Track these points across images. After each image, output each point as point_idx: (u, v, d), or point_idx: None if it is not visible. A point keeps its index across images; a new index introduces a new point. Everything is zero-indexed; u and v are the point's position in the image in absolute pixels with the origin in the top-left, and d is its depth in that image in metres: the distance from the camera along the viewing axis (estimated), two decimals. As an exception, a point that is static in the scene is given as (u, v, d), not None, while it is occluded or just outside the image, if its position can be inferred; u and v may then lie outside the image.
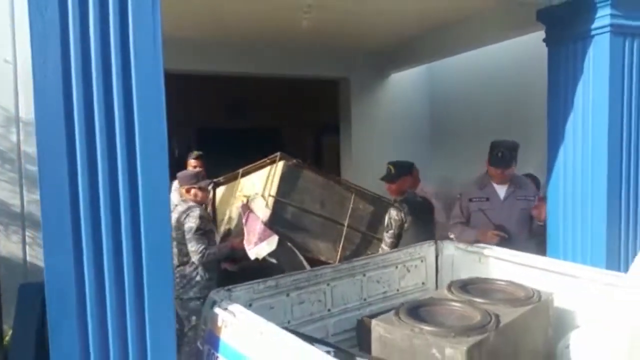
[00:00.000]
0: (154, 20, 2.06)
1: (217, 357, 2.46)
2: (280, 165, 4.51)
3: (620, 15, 3.46)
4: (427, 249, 3.84)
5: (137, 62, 2.06)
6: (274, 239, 4.23)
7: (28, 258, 4.49)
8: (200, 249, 4.01)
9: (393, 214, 4.20)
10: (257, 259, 4.31)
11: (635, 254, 3.16)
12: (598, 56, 3.52)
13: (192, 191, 4.28)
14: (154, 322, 2.22)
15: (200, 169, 4.97)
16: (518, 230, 3.96)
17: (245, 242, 4.26)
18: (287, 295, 3.05)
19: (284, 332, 2.22)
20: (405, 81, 7.50)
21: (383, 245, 4.29)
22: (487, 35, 5.38)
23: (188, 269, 4.11)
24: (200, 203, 4.34)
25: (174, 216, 4.07)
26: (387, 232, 4.23)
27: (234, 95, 8.95)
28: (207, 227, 4.18)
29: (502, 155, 3.96)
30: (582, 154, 3.60)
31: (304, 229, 4.57)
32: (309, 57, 6.63)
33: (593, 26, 3.53)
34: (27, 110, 4.25)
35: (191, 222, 4.07)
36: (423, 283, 3.84)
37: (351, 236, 4.84)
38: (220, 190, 5.45)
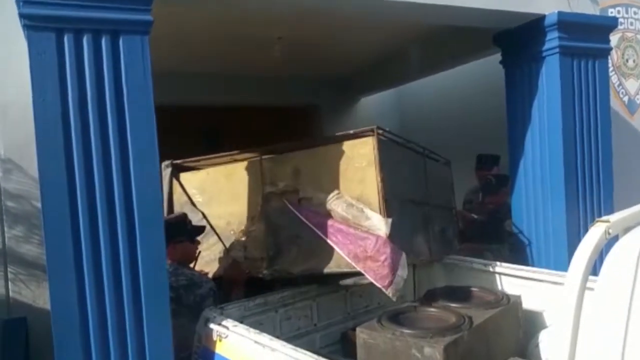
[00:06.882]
0: (143, 59, 2.25)
1: (213, 371, 2.59)
2: (372, 143, 3.03)
3: (567, 38, 3.80)
4: (404, 263, 4.02)
5: (130, 97, 2.24)
6: (404, 259, 3.00)
7: (11, 294, 4.52)
8: None
9: None
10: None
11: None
12: (550, 74, 3.85)
13: None
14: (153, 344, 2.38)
15: None
16: None
17: (372, 275, 2.94)
18: (276, 311, 3.19)
19: (277, 340, 2.38)
20: (375, 103, 7.79)
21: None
22: (446, 59, 5.68)
23: None
24: None
25: None
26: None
27: (208, 125, 9.08)
28: None
29: None
30: (541, 162, 3.90)
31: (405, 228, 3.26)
32: (279, 86, 6.85)
33: (544, 48, 3.87)
34: (5, 147, 4.32)
35: None
36: (402, 296, 4.01)
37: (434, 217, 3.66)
38: (201, 177, 3.97)
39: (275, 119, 8.63)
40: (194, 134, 9.29)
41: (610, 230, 1.51)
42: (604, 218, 1.54)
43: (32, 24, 2.11)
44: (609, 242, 1.55)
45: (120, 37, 2.23)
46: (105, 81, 2.19)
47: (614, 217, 1.55)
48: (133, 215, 2.33)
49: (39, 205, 4.34)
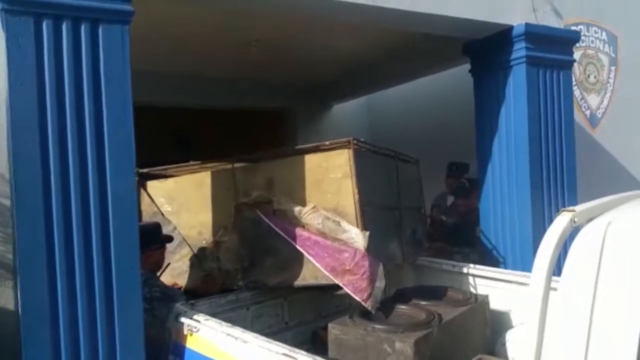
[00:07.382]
0: (123, 48, 2.24)
1: (183, 365, 2.57)
2: (347, 155, 2.99)
3: (533, 48, 3.95)
4: (374, 264, 4.07)
5: (107, 85, 2.23)
6: (382, 269, 2.98)
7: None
8: None
9: None
10: None
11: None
12: (517, 83, 3.99)
13: None
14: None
15: None
16: None
17: (351, 289, 2.86)
18: (247, 309, 3.19)
19: (249, 332, 2.39)
20: (347, 111, 7.90)
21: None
22: (419, 68, 5.82)
23: None
24: None
25: None
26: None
27: (180, 128, 9.02)
28: None
29: None
30: (508, 168, 4.03)
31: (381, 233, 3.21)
32: (256, 90, 6.87)
33: (511, 57, 4.01)
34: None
35: None
36: (372, 295, 4.05)
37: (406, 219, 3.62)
38: (169, 185, 3.83)
39: (252, 121, 8.67)
40: (167, 136, 9.22)
41: (576, 219, 1.57)
42: (570, 208, 1.60)
43: (9, 8, 2.07)
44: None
45: (100, 25, 2.22)
46: (83, 69, 2.17)
47: (580, 207, 1.62)
48: (107, 209, 2.30)
49: (3, 201, 4.30)
